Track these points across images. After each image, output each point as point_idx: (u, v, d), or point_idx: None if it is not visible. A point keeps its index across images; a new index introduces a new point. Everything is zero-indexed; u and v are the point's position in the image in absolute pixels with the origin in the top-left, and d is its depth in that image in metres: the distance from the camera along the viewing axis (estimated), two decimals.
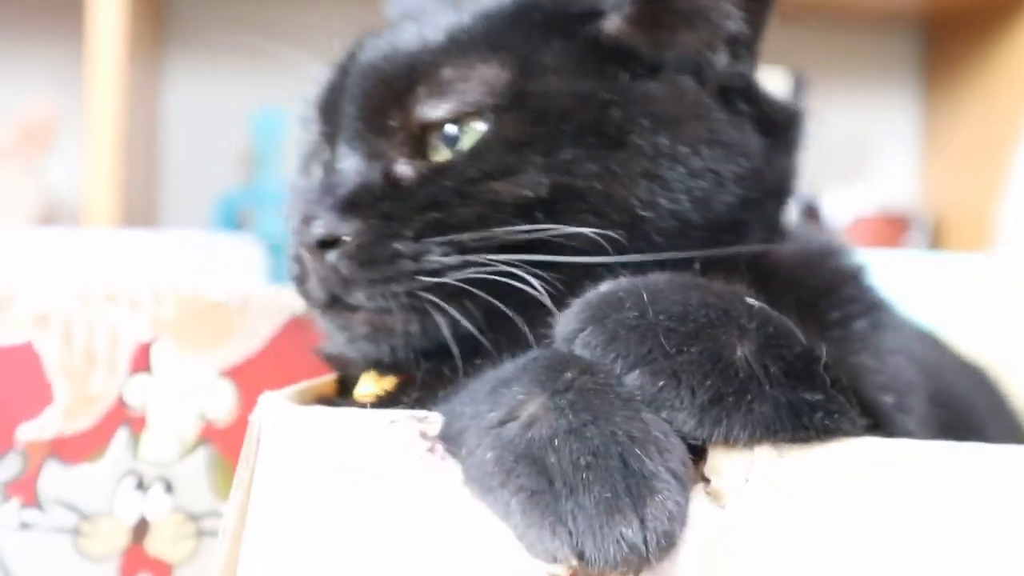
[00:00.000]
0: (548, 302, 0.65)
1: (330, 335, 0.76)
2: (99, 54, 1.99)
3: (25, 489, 0.83)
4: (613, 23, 0.73)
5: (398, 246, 0.68)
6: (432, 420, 0.60)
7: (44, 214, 2.10)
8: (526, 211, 0.68)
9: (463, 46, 0.72)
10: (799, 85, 2.30)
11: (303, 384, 0.72)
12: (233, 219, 2.30)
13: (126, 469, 0.85)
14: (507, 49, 0.72)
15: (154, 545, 0.86)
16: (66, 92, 2.23)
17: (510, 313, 0.66)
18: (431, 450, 0.59)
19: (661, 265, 0.66)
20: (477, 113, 0.70)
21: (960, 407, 0.89)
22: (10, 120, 2.11)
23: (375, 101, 0.73)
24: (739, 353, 0.56)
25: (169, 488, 0.86)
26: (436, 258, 0.68)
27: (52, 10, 2.31)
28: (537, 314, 0.65)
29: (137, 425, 0.86)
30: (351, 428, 0.60)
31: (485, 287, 0.67)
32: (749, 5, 0.73)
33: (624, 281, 0.61)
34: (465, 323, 0.68)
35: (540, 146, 0.69)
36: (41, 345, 0.83)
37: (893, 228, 2.31)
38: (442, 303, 0.68)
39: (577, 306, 0.60)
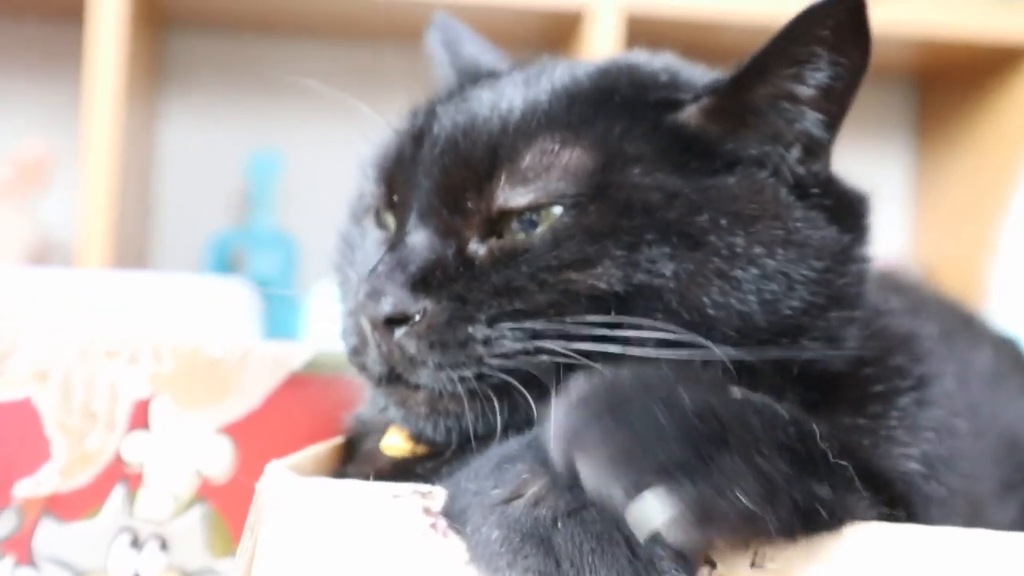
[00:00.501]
0: None
1: (383, 407, 0.74)
2: (96, 95, 1.99)
3: (19, 547, 0.82)
4: (691, 114, 0.72)
5: (471, 330, 0.67)
6: (435, 495, 0.60)
7: (37, 253, 2.10)
8: (600, 303, 0.67)
9: (544, 128, 0.71)
10: None
11: (309, 450, 0.72)
12: (225, 261, 2.30)
13: (121, 526, 0.85)
14: (589, 135, 0.71)
15: None
16: (62, 132, 2.24)
17: None
18: (434, 526, 0.59)
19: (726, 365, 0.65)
20: (559, 202, 0.69)
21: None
22: (6, 158, 2.12)
23: (454, 180, 0.71)
24: (757, 457, 0.54)
25: (164, 546, 0.86)
26: (509, 344, 0.67)
27: (50, 51, 2.32)
28: None
29: (134, 482, 0.85)
30: (355, 501, 0.60)
31: (554, 377, 0.66)
32: (828, 108, 0.72)
33: (602, 376, 0.58)
34: (528, 410, 0.66)
35: (622, 240, 0.68)
36: (40, 401, 0.83)
37: None
38: (511, 388, 0.67)
39: (569, 402, 0.56)
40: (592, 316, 0.66)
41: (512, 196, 0.70)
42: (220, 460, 0.88)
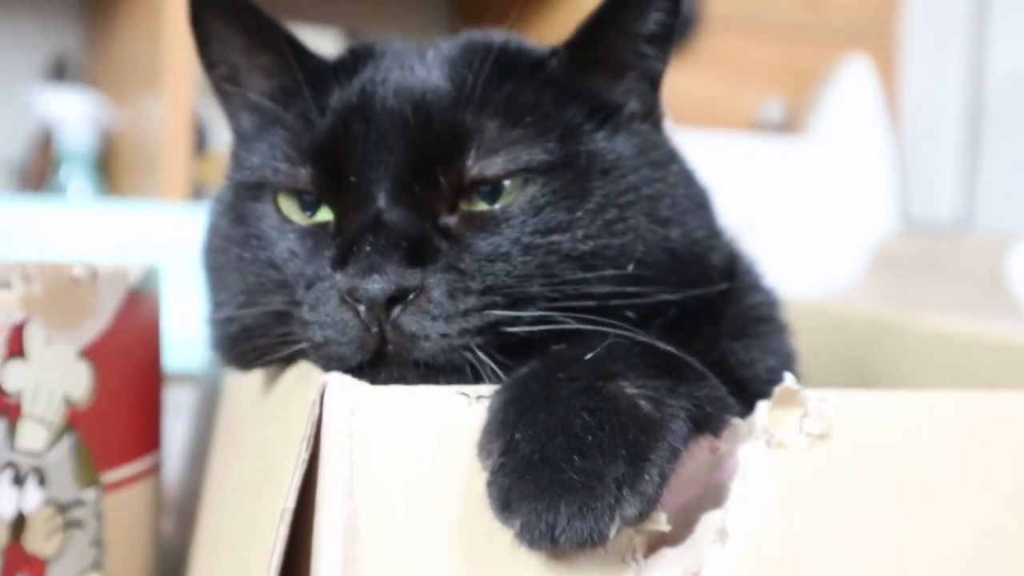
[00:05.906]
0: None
1: None
2: None
3: None
4: (554, 70, 0.78)
5: (471, 299, 0.69)
6: None
7: None
8: (579, 264, 0.72)
9: (489, 105, 0.74)
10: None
11: None
12: None
13: (5, 462, 0.78)
14: (524, 108, 0.75)
15: (30, 541, 0.79)
16: None
17: None
18: None
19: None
20: (532, 170, 0.73)
21: None
22: None
23: (424, 156, 0.72)
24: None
25: (42, 480, 0.80)
26: (501, 312, 0.70)
27: None
28: None
29: (14, 413, 0.78)
30: (431, 406, 0.62)
31: (548, 342, 0.69)
32: (664, 44, 0.79)
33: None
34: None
35: (592, 202, 0.73)
36: None
37: None
38: (508, 356, 0.69)
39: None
40: (580, 273, 0.72)
41: (486, 166, 0.73)
42: (82, 385, 0.84)
